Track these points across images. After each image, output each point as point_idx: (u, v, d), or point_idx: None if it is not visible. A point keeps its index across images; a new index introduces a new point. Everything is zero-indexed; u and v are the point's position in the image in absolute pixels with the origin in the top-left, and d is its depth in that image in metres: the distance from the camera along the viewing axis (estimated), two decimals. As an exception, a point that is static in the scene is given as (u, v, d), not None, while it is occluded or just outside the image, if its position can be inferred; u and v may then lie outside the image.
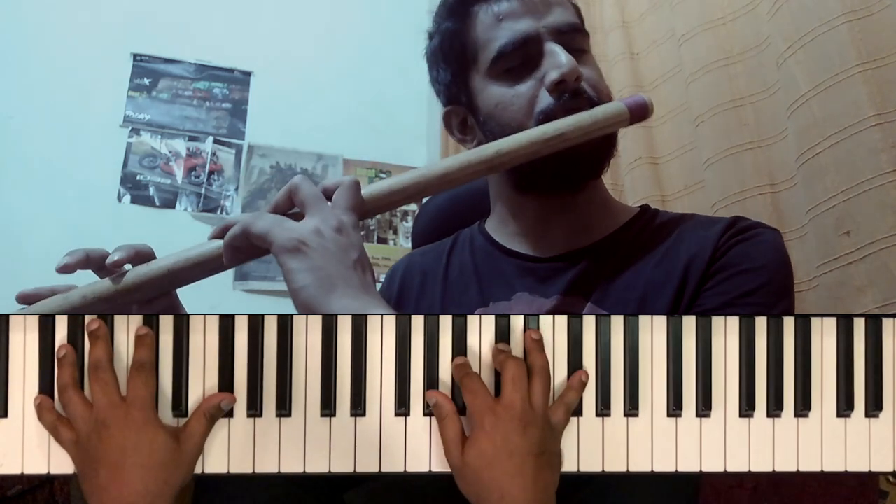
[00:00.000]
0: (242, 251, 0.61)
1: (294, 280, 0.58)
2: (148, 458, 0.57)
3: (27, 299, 0.62)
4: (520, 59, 0.72)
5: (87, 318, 0.62)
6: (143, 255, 0.63)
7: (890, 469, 0.66)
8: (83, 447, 0.58)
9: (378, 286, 0.75)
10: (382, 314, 0.61)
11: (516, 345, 0.64)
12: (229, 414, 0.62)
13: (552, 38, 0.72)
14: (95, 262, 0.62)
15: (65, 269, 0.61)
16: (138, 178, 2.06)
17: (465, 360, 0.62)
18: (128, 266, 0.63)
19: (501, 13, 0.73)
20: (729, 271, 0.69)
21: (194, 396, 0.62)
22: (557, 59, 0.71)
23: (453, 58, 0.77)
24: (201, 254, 0.62)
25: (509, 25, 0.72)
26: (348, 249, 0.59)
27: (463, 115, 0.79)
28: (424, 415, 0.63)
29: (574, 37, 0.74)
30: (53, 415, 0.61)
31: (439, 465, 0.62)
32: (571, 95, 0.71)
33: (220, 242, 0.62)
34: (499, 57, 0.72)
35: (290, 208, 0.62)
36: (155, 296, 0.63)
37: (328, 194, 0.62)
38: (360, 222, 0.62)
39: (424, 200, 1.12)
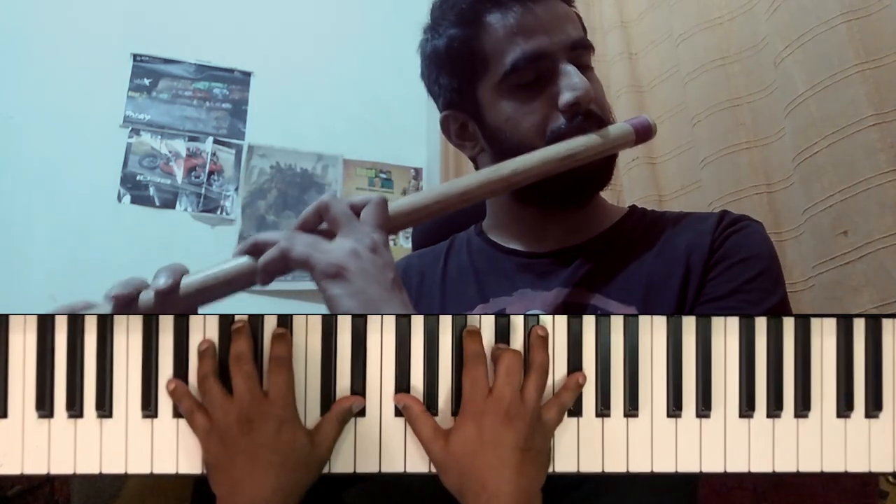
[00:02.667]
0: (278, 272, 0.61)
1: (338, 306, 0.58)
2: (285, 457, 0.57)
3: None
4: (533, 75, 0.72)
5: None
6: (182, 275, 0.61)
7: (890, 469, 0.66)
8: (219, 437, 0.58)
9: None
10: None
11: (517, 345, 0.64)
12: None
13: (565, 55, 0.73)
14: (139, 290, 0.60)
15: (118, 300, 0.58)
16: (138, 178, 2.06)
17: (476, 329, 0.62)
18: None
19: (516, 27, 0.72)
20: (730, 261, 0.71)
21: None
22: (572, 80, 0.71)
23: (460, 65, 0.76)
24: (230, 271, 0.61)
25: (524, 40, 0.72)
26: (385, 269, 0.60)
27: (462, 121, 0.79)
28: (424, 415, 0.63)
29: (583, 53, 0.75)
30: (191, 400, 0.61)
31: (439, 465, 0.62)
32: (584, 117, 0.72)
33: (246, 259, 0.61)
34: (512, 71, 0.72)
35: (318, 225, 0.62)
36: (182, 312, 0.63)
37: (355, 212, 0.62)
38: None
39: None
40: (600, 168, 0.75)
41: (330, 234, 0.61)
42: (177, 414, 0.62)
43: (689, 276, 0.71)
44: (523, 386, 0.60)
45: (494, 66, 0.74)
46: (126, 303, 0.58)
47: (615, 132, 0.72)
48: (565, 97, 0.71)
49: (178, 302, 0.59)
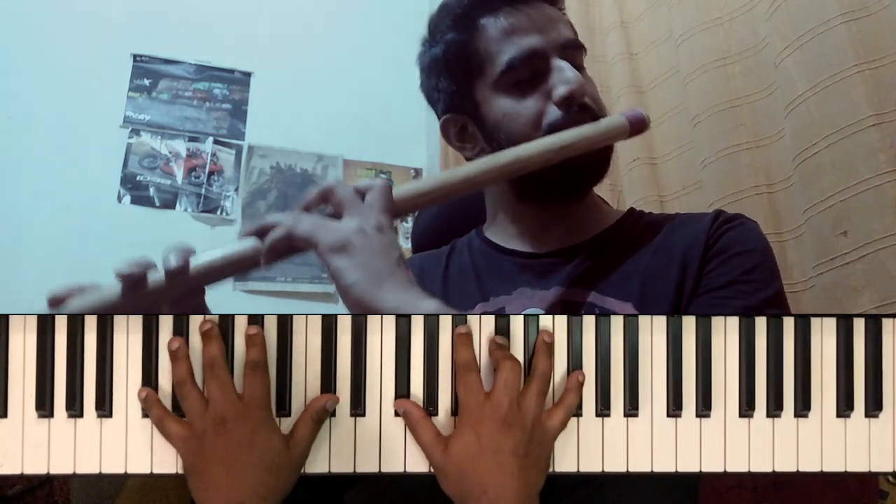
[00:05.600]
0: (283, 252, 0.61)
1: (343, 277, 0.58)
2: (260, 459, 0.57)
3: (58, 300, 0.59)
4: (528, 73, 0.75)
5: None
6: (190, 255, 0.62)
7: (890, 469, 0.66)
8: (196, 442, 0.58)
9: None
10: (430, 309, 0.61)
11: (516, 344, 0.64)
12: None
13: (557, 53, 0.75)
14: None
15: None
16: (138, 178, 2.06)
17: (468, 329, 0.63)
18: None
19: (510, 28, 0.75)
20: (726, 254, 0.73)
21: (194, 396, 0.62)
22: (565, 74, 0.74)
23: (458, 68, 0.79)
24: (236, 252, 0.62)
25: (517, 40, 0.75)
26: (390, 248, 0.61)
27: (462, 123, 0.81)
28: (424, 415, 0.63)
29: (575, 53, 0.78)
30: (161, 409, 0.61)
31: (439, 465, 0.62)
32: (578, 109, 0.74)
33: (252, 241, 0.62)
34: (508, 69, 0.75)
35: (321, 206, 0.63)
36: (187, 293, 0.63)
37: (360, 196, 0.63)
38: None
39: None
40: (596, 160, 0.76)
41: (335, 218, 0.62)
42: (179, 414, 0.62)
43: (686, 271, 0.72)
44: (523, 393, 0.60)
45: (490, 66, 0.76)
46: (134, 282, 0.58)
47: (610, 123, 0.74)
48: (560, 90, 0.74)
49: (187, 282, 0.59)
